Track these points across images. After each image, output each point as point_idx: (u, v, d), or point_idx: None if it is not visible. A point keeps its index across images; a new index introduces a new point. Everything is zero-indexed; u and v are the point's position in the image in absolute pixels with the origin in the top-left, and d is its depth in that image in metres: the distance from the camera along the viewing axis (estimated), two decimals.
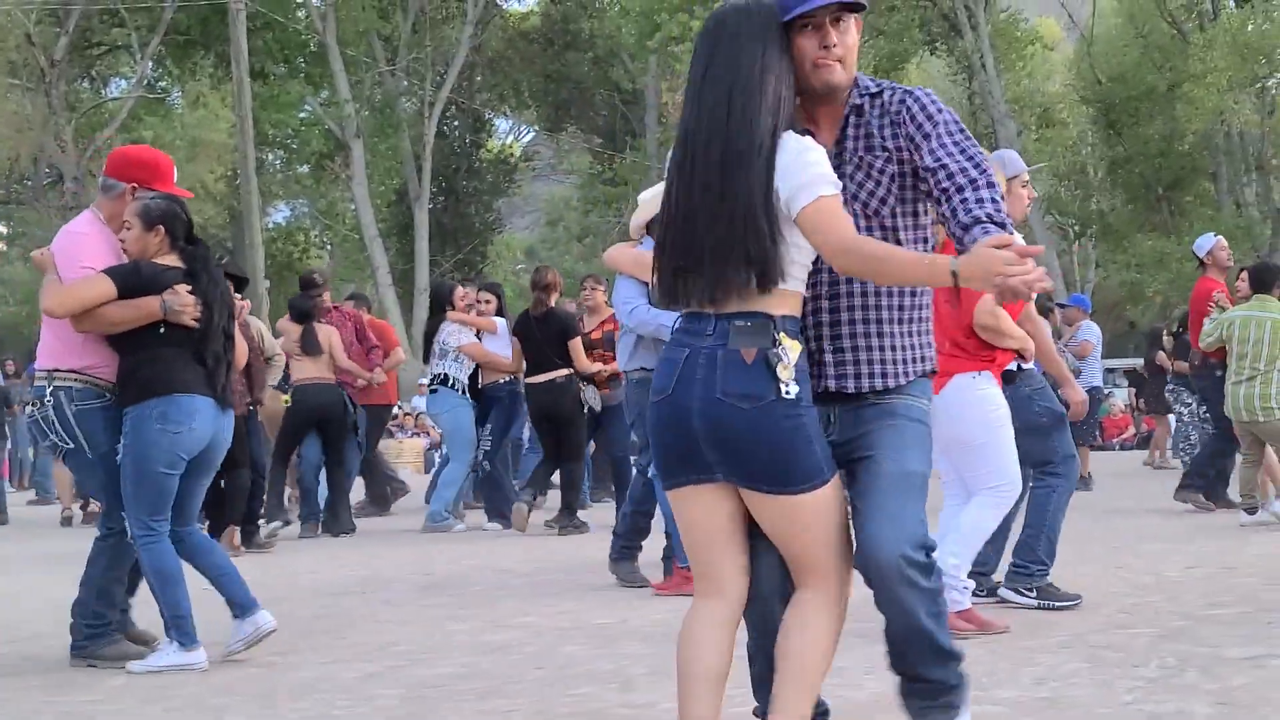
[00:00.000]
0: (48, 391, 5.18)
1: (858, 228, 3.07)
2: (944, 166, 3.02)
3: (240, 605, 5.28)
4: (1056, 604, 5.83)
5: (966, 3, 32.78)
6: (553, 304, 10.52)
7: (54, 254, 5.24)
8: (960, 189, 2.97)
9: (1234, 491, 10.23)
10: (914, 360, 3.22)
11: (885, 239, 3.14)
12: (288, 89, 34.85)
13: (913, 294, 3.21)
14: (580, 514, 10.69)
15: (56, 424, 5.17)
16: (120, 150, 5.74)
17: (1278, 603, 5.88)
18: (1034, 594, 5.88)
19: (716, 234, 2.98)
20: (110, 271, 5.13)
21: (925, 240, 3.26)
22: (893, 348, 3.18)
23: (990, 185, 2.97)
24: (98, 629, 5.31)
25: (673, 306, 3.16)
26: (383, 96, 36.73)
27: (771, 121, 2.98)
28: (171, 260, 5.25)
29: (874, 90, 3.16)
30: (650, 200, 7.21)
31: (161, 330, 5.12)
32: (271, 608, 5.43)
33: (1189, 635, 5.14)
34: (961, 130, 3.11)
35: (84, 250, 5.25)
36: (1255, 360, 9.21)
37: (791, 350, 2.98)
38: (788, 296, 3.03)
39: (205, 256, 5.35)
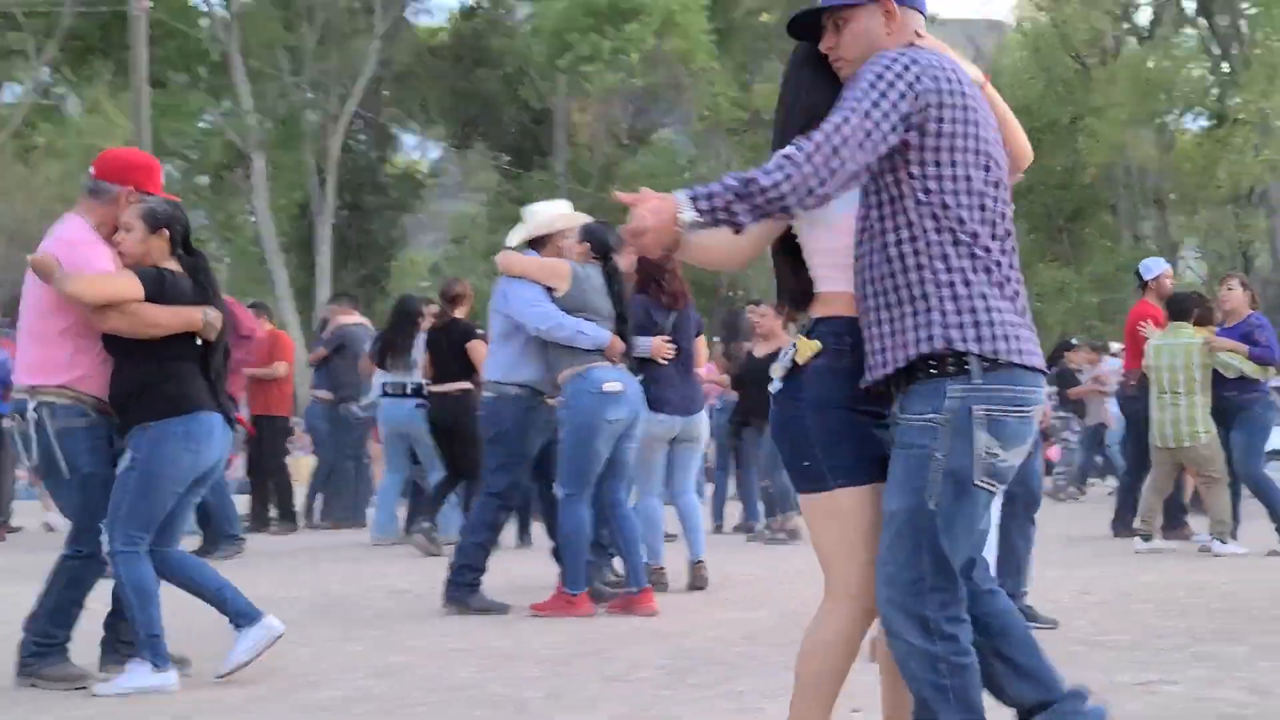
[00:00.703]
0: (30, 408, 4.99)
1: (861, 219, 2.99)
2: None
3: (246, 615, 5.14)
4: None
5: None
6: (457, 315, 10.32)
7: (57, 259, 4.95)
8: None
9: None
10: (904, 345, 2.88)
11: (877, 222, 2.94)
12: (188, 98, 34.32)
13: (904, 270, 2.89)
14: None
15: (35, 442, 5.00)
16: (112, 153, 5.49)
17: (1170, 629, 5.96)
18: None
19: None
20: (139, 274, 4.96)
21: (915, 224, 2.89)
22: (881, 335, 2.92)
23: (795, 147, 2.77)
24: (44, 647, 5.11)
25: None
26: (287, 109, 36.31)
27: (780, 137, 3.09)
28: (173, 267, 5.10)
29: None
30: (546, 221, 7.14)
31: (194, 342, 5.04)
32: None
33: (1082, 661, 5.17)
34: (860, 87, 2.84)
35: (92, 258, 5.00)
36: (1174, 385, 9.41)
37: (802, 349, 3.05)
38: (827, 299, 3.11)
39: (205, 266, 5.24)
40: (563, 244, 7.06)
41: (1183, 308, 9.77)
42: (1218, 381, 9.51)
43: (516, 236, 7.18)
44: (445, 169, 48.17)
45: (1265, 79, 30.07)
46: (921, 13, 3.12)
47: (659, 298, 7.65)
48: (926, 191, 2.89)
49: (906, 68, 2.88)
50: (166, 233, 5.07)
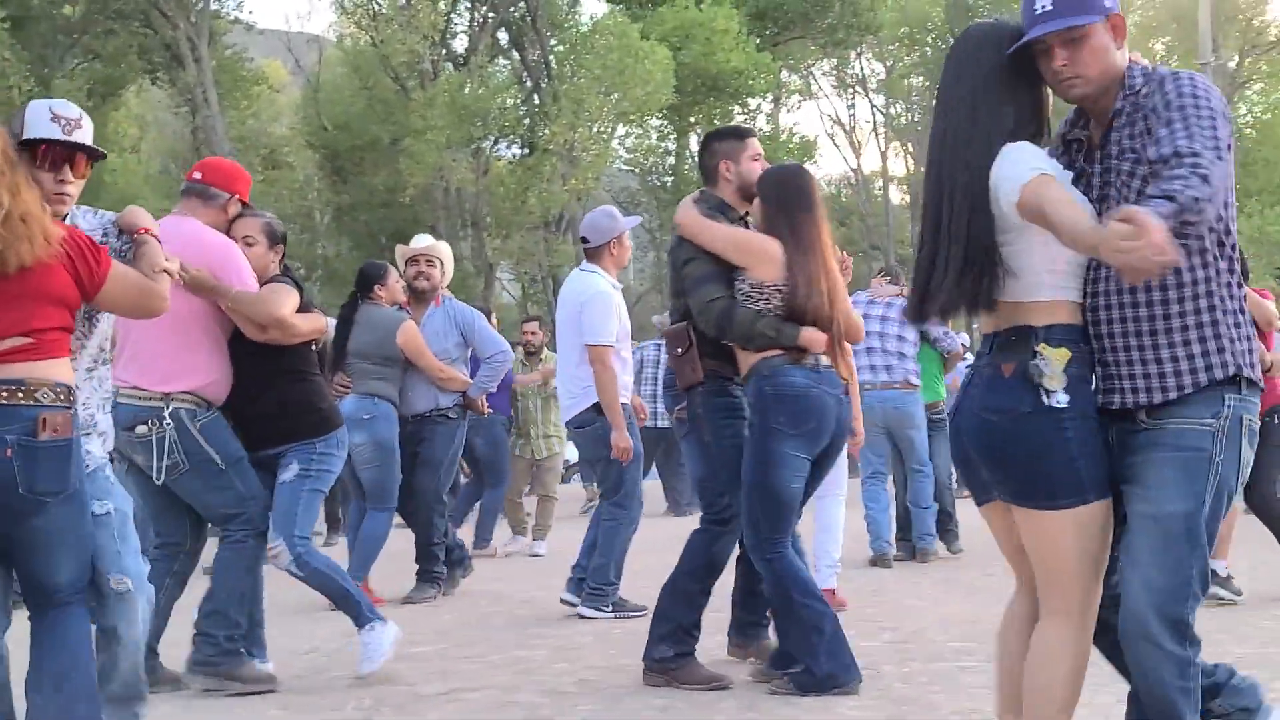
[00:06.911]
0: (166, 413, 4.91)
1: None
2: (1161, 156, 2.73)
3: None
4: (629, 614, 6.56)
5: (189, 35, 32.11)
6: None
7: (211, 267, 4.91)
8: (1158, 174, 2.70)
9: None
10: (1191, 371, 2.89)
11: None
12: None
13: (1194, 296, 2.90)
14: None
15: (179, 443, 4.93)
16: (217, 161, 5.50)
17: (474, 638, 6.06)
18: (610, 609, 6.60)
19: (950, 252, 2.99)
20: (286, 284, 5.16)
21: (1209, 250, 2.90)
22: (1158, 360, 2.91)
23: (1194, 161, 2.65)
24: (236, 642, 5.05)
25: (919, 323, 3.30)
26: None
27: (981, 136, 2.98)
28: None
29: (1139, 88, 2.97)
30: None
31: (315, 347, 5.35)
32: None
33: (387, 675, 5.14)
34: (1202, 110, 2.79)
35: (241, 262, 5.03)
36: None
37: (1055, 359, 2.93)
38: (1052, 306, 2.98)
39: (296, 278, 5.37)
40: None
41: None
42: None
43: None
44: None
45: (572, 113, 32.24)
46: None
47: None
48: (1218, 219, 2.89)
49: (1209, 91, 2.85)
50: (281, 249, 5.33)
